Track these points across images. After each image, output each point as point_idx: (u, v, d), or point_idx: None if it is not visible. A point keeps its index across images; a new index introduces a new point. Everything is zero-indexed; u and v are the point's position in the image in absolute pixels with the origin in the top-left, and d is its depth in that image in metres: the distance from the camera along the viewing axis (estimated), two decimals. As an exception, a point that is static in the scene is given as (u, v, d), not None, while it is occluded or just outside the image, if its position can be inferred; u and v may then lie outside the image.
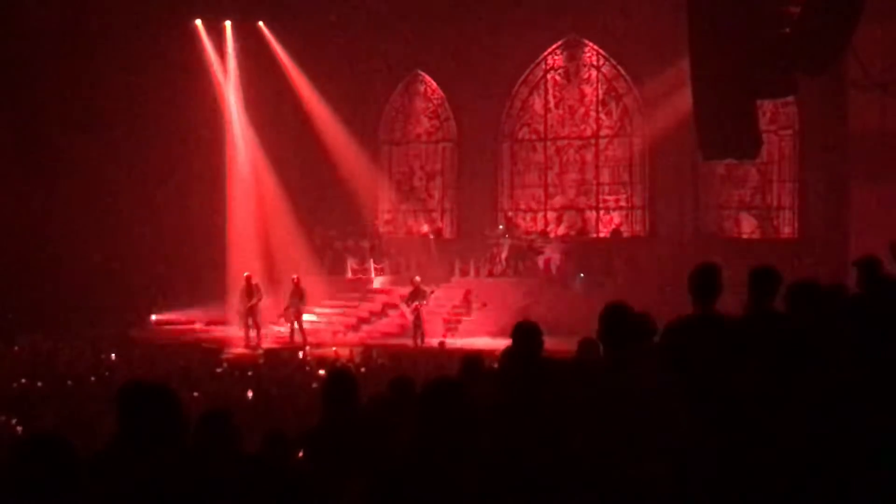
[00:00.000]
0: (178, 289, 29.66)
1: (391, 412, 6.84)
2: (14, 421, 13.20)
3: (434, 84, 32.25)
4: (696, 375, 6.08)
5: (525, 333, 6.86)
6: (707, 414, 5.48)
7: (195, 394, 15.04)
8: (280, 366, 19.49)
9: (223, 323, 28.39)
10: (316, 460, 6.15)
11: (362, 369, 17.97)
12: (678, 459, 4.96)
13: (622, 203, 30.27)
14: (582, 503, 4.76)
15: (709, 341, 6.42)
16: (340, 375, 6.79)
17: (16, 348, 22.15)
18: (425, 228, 31.84)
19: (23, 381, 17.09)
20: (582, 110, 30.74)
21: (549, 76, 31.09)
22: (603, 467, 4.94)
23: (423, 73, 32.31)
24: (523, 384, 6.40)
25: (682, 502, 4.77)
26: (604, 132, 30.48)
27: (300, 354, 21.90)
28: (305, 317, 26.26)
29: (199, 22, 30.73)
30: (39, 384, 16.82)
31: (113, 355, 21.01)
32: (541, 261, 28.48)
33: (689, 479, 4.81)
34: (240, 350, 24.55)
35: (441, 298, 27.44)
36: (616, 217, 30.28)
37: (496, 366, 8.58)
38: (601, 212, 30.46)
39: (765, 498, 4.60)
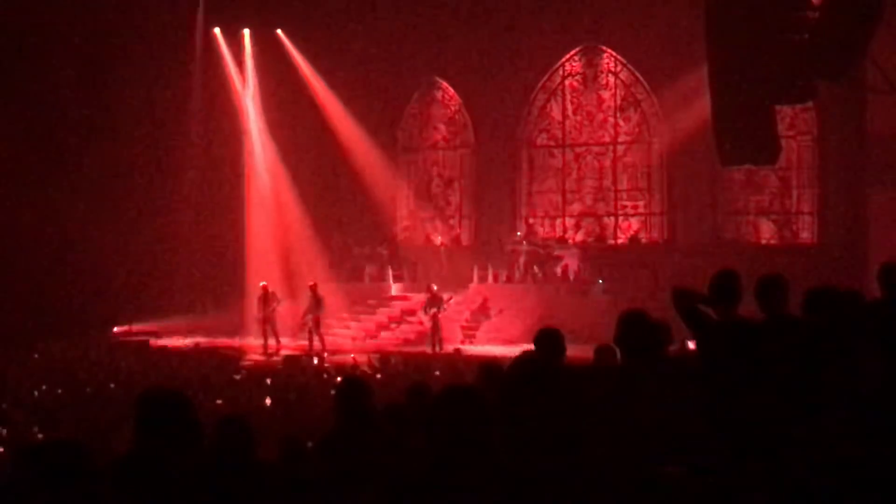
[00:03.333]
0: (195, 297, 29.74)
1: (407, 419, 6.83)
2: (35, 428, 13.24)
3: (452, 91, 32.29)
4: (719, 379, 6.08)
5: (548, 340, 6.85)
6: (726, 418, 5.47)
7: (218, 402, 15.06)
8: (298, 373, 19.45)
9: (238, 332, 28.48)
10: (329, 467, 6.15)
11: (378, 376, 17.96)
12: (695, 463, 4.96)
13: (640, 209, 30.23)
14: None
15: (731, 346, 6.42)
16: (353, 383, 6.78)
17: (35, 356, 22.23)
18: (439, 240, 31.82)
19: (43, 388, 17.13)
20: (600, 116, 30.72)
21: (566, 82, 31.09)
22: (620, 472, 4.93)
23: (440, 80, 32.34)
24: (540, 390, 6.39)
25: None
26: (622, 138, 30.47)
27: (317, 361, 21.90)
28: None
29: (217, 30, 30.90)
30: (59, 391, 16.86)
31: (132, 363, 21.06)
32: (559, 267, 28.46)
33: (707, 482, 4.80)
34: (258, 357, 24.59)
35: (459, 305, 27.45)
36: (634, 223, 30.23)
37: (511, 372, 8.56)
38: (619, 218, 30.42)
39: (782, 500, 4.59)
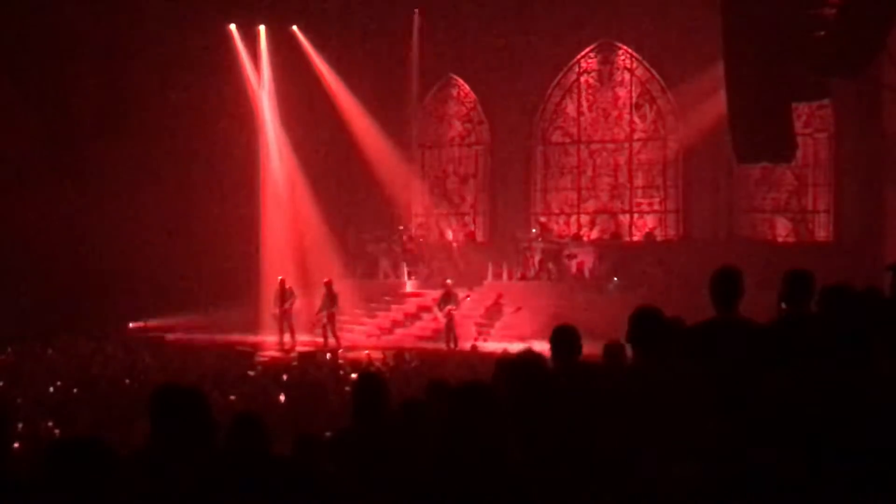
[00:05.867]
0: (210, 292, 29.76)
1: (427, 417, 6.84)
2: (50, 423, 13.31)
3: (467, 88, 32.28)
4: (721, 378, 6.05)
5: (564, 337, 6.83)
6: (735, 415, 5.46)
7: (232, 398, 15.11)
8: (313, 369, 19.51)
9: (253, 328, 28.52)
10: (344, 464, 6.16)
11: (394, 373, 17.97)
12: (706, 461, 4.95)
13: (656, 207, 30.15)
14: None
15: (731, 345, 6.39)
16: (369, 380, 6.78)
17: (50, 352, 22.31)
18: (450, 235, 31.82)
19: (58, 383, 17.21)
20: (615, 113, 30.66)
21: (582, 79, 31.04)
22: (631, 469, 4.93)
23: (456, 77, 32.34)
24: (538, 389, 6.38)
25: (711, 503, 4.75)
26: (637, 135, 30.39)
27: (332, 358, 21.91)
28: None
29: (233, 26, 30.95)
30: (74, 387, 16.93)
31: (147, 358, 21.13)
32: (574, 265, 28.42)
33: (718, 480, 4.80)
34: (273, 353, 24.63)
35: (474, 302, 27.43)
36: (649, 221, 30.16)
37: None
38: (634, 215, 30.35)
39: (793, 499, 4.58)
